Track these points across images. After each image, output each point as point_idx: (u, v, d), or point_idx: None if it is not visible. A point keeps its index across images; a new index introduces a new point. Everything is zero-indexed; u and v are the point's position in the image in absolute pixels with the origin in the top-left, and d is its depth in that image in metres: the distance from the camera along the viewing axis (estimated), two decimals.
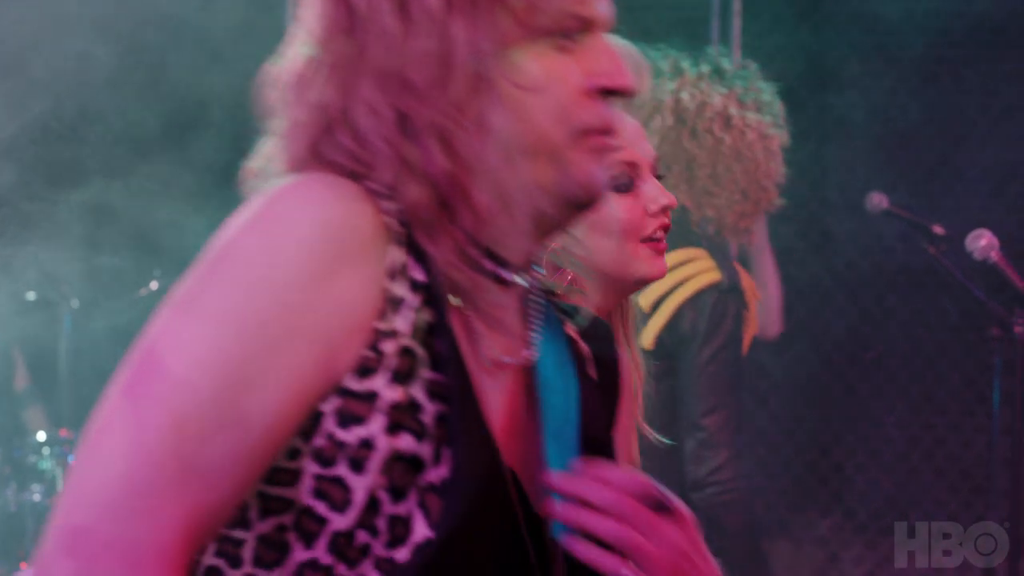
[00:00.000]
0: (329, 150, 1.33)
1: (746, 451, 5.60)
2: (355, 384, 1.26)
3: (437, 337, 1.30)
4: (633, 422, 2.04)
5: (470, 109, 1.31)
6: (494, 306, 1.36)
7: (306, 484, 1.26)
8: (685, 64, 3.71)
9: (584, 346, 1.52)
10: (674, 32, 4.25)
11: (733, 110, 3.62)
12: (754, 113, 3.66)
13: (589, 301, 1.88)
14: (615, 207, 2.05)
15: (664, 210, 2.04)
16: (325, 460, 1.26)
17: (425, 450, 1.27)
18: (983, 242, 3.69)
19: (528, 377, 1.41)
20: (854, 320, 5.58)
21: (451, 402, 1.28)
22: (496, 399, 1.36)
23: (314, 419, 1.26)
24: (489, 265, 1.36)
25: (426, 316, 1.30)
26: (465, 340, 1.33)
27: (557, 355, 1.44)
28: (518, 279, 1.38)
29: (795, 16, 5.29)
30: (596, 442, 1.44)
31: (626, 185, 2.04)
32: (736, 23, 5.20)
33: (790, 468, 5.65)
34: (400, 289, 1.29)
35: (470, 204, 1.31)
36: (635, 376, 2.04)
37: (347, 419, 1.26)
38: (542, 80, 1.33)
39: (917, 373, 5.53)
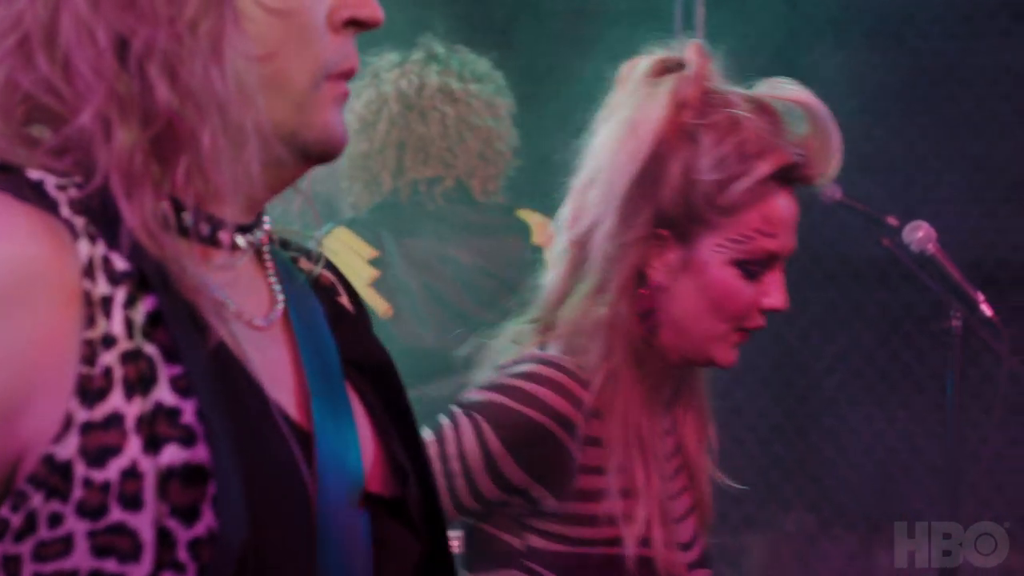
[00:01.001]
0: (25, 78, 1.12)
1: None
2: (89, 414, 1.09)
3: (163, 326, 1.12)
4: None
5: (203, 31, 1.13)
6: (222, 270, 1.19)
7: (81, 547, 1.08)
8: (397, 56, 3.82)
9: (328, 276, 1.37)
10: (640, 20, 4.21)
11: (454, 84, 3.74)
12: (476, 84, 3.78)
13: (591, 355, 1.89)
14: (737, 287, 1.98)
15: (779, 310, 2.01)
16: (93, 512, 1.08)
17: (200, 455, 1.10)
18: (920, 234, 3.62)
19: (289, 330, 1.26)
20: (818, 313, 5.52)
21: (199, 392, 1.10)
22: (270, 360, 1.21)
23: (62, 472, 1.07)
24: (205, 229, 1.19)
25: (143, 307, 1.12)
26: (211, 315, 1.15)
27: (303, 299, 1.30)
28: (241, 240, 1.22)
29: (761, 3, 5.23)
30: (369, 368, 1.30)
31: (755, 272, 1.99)
32: (700, 11, 5.14)
33: (755, 463, 5.59)
34: (103, 287, 1.11)
35: (196, 149, 1.12)
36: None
37: (98, 455, 1.08)
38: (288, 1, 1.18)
39: (879, 366, 5.46)
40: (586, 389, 1.91)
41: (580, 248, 1.95)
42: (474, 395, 1.95)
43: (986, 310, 3.55)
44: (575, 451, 1.90)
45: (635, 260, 1.94)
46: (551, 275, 2.00)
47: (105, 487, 1.08)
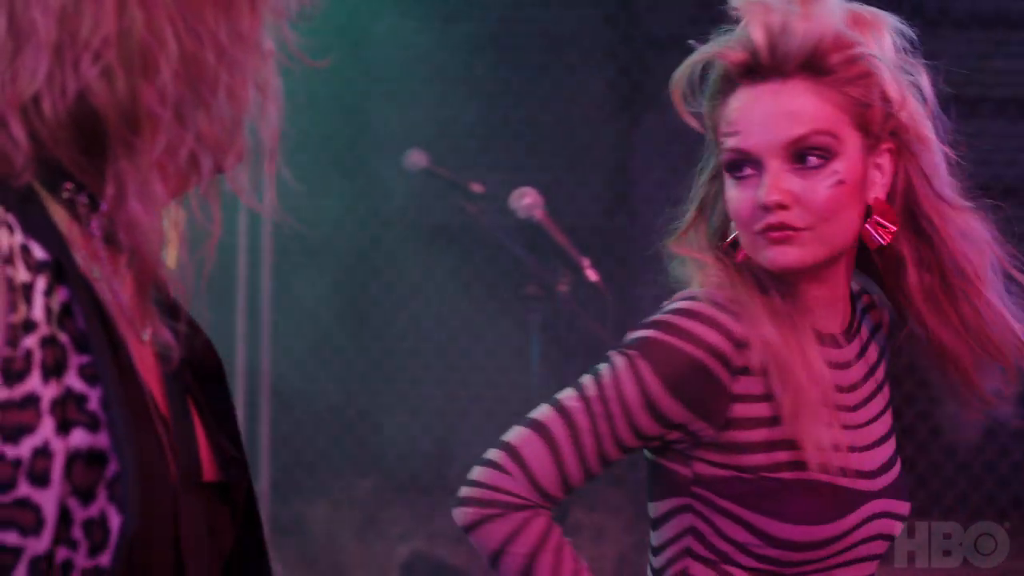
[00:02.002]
0: None
1: (280, 414, 5.51)
2: (9, 392, 1.14)
3: (74, 316, 1.17)
4: None
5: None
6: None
7: None
8: None
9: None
10: None
11: None
12: None
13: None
14: (732, 196, 1.98)
15: (774, 206, 1.94)
16: (2, 486, 1.14)
17: (102, 440, 1.16)
18: (527, 200, 3.67)
19: None
20: (392, 279, 5.53)
21: (103, 382, 1.17)
22: (142, 354, 1.26)
23: None
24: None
25: (58, 297, 1.16)
26: (114, 310, 1.21)
27: None
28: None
29: None
30: (195, 364, 1.33)
31: (740, 175, 1.97)
32: None
33: (327, 429, 5.56)
34: (23, 274, 1.15)
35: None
36: None
37: (13, 432, 1.14)
38: None
39: (454, 332, 5.53)
40: (736, 320, 1.96)
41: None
42: (632, 334, 2.00)
43: (591, 275, 3.63)
44: (728, 382, 1.96)
45: (704, 190, 2.08)
46: None
47: (17, 463, 1.14)
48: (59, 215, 1.19)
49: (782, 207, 1.95)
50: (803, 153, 1.96)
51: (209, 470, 1.31)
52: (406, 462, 5.51)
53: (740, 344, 1.96)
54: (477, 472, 1.98)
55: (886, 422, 2.10)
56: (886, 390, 2.13)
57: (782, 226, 1.95)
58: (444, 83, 5.30)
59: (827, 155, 1.96)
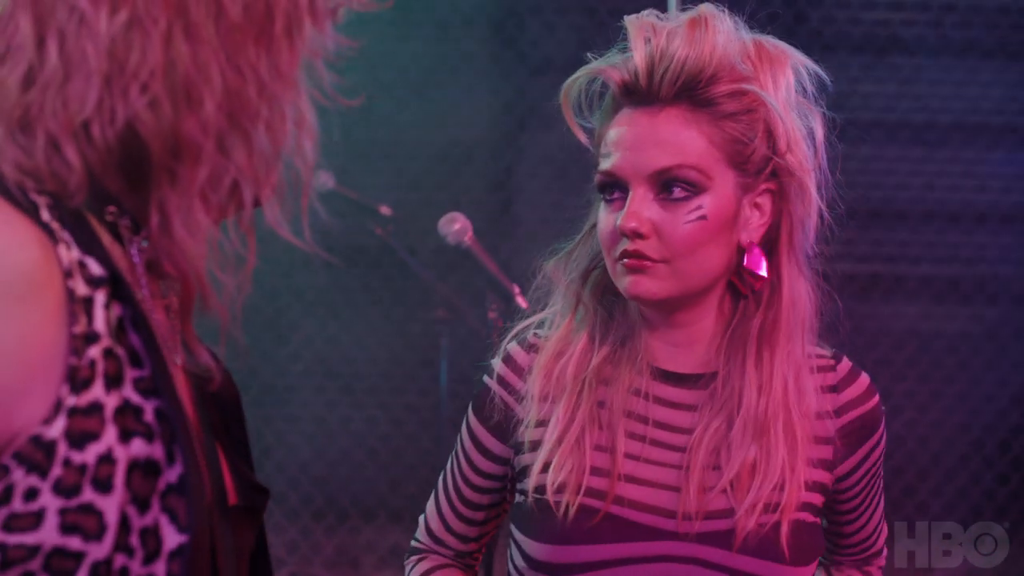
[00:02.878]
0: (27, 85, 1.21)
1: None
2: (76, 399, 1.17)
3: (130, 331, 1.22)
4: None
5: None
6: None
7: (50, 522, 1.16)
8: None
9: None
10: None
11: None
12: None
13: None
14: (601, 217, 1.95)
15: (631, 233, 1.89)
16: (68, 490, 1.17)
17: (157, 451, 1.21)
18: (456, 226, 3.61)
19: None
20: (284, 301, 5.45)
21: (161, 395, 1.22)
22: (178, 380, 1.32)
23: (46, 451, 1.16)
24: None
25: (115, 311, 1.21)
26: (160, 331, 1.29)
27: None
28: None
29: None
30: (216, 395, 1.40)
31: (609, 199, 1.93)
32: None
33: None
34: (82, 288, 1.19)
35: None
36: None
37: (80, 438, 1.17)
38: None
39: (353, 354, 5.47)
40: (528, 352, 2.02)
41: None
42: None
43: (522, 302, 3.60)
44: (514, 407, 2.01)
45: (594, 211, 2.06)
46: None
47: (82, 469, 1.17)
48: (104, 237, 1.24)
49: (639, 235, 1.89)
50: (669, 183, 1.89)
51: (231, 494, 1.36)
52: (297, 486, 5.43)
53: (525, 373, 2.00)
54: None
55: (741, 474, 1.92)
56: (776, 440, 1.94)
57: (637, 254, 1.89)
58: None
59: (693, 189, 1.89)
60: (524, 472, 1.97)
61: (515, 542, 1.97)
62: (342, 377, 5.47)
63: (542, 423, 1.97)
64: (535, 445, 1.97)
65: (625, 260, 1.90)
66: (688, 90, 1.89)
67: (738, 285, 1.95)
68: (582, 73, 1.96)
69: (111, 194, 1.24)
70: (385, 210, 4.31)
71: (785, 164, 1.91)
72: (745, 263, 1.93)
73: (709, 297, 1.95)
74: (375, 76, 5.28)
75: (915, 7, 5.63)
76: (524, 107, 5.50)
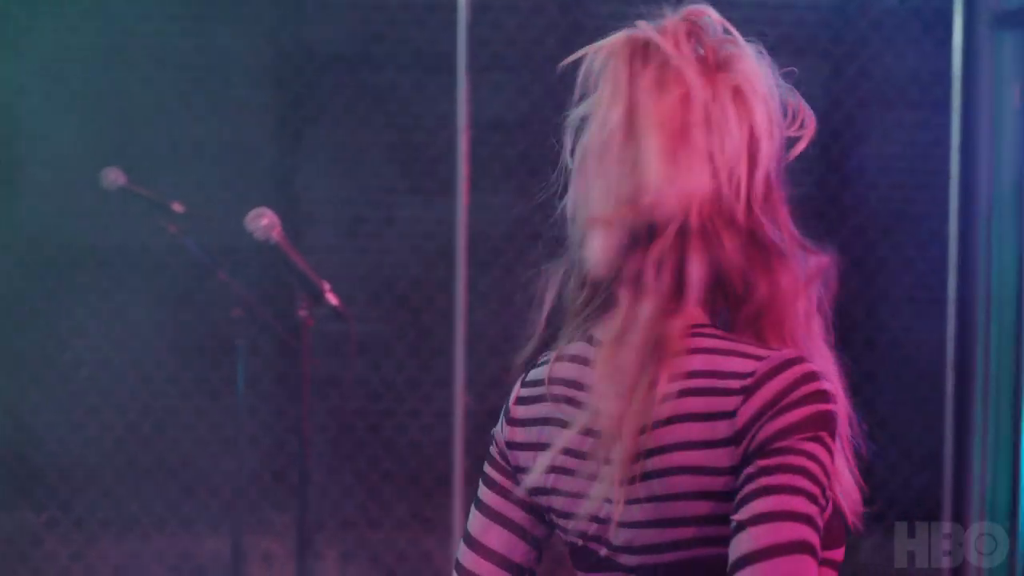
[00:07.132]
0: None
1: None
2: None
3: None
4: None
5: None
6: None
7: None
8: None
9: None
10: None
11: None
12: None
13: None
14: None
15: None
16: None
17: None
18: (264, 221, 3.54)
19: None
20: (95, 303, 5.28)
21: None
22: None
23: None
24: None
25: None
26: None
27: None
28: None
29: None
30: None
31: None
32: None
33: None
34: None
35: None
36: None
37: None
38: None
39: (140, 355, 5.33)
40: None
41: None
42: None
43: (332, 299, 3.55)
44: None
45: None
46: None
47: None
48: None
49: None
50: None
51: None
52: (82, 493, 5.28)
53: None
54: None
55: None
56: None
57: None
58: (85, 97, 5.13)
59: None
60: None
61: None
62: (128, 380, 5.33)
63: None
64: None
65: None
66: None
67: None
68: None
69: None
70: (178, 207, 4.20)
71: None
72: None
73: None
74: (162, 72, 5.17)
75: None
76: (313, 104, 5.43)
